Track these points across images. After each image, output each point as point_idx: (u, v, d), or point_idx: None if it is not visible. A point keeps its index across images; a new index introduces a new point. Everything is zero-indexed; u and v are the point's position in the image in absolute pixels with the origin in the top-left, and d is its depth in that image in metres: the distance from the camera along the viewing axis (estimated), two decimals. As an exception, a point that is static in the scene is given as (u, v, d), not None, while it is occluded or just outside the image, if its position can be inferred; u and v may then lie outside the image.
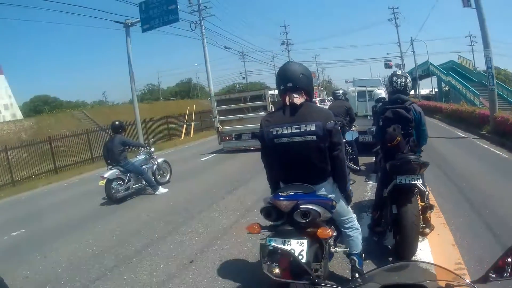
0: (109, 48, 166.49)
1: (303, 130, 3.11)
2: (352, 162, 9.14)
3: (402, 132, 4.59)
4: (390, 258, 4.60)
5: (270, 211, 3.07)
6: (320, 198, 3.19)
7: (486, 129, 15.64)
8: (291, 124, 3.14)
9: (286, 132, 3.15)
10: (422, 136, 4.86)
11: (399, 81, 4.85)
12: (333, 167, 3.28)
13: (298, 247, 2.90)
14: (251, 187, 9.27)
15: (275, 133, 3.19)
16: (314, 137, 3.09)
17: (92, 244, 6.55)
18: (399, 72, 5.18)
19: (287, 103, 3.22)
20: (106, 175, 9.17)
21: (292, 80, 3.22)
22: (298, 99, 3.20)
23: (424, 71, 53.45)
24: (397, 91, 4.85)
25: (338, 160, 3.25)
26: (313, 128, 3.09)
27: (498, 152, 11.82)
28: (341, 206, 3.47)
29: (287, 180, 3.32)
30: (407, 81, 4.90)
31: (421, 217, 4.82)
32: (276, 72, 3.44)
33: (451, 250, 4.79)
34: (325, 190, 3.30)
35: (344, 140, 8.13)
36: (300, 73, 3.26)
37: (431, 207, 5.03)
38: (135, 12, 20.38)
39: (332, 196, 3.33)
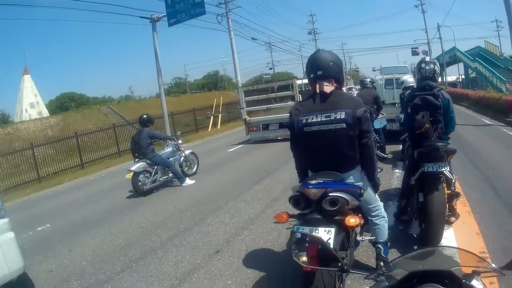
0: (135, 43, 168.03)
1: (333, 118, 3.12)
2: (379, 150, 9.11)
3: (430, 119, 4.56)
4: (415, 247, 4.55)
5: (299, 199, 3.12)
6: (349, 186, 3.22)
7: (513, 116, 15.35)
8: (321, 112, 3.17)
9: (316, 120, 3.17)
10: (450, 123, 4.82)
11: (427, 67, 4.82)
12: (362, 155, 3.29)
13: (326, 235, 2.91)
14: (277, 177, 9.28)
15: (304, 121, 3.21)
16: (344, 125, 3.11)
17: (118, 236, 6.63)
18: (427, 58, 5.13)
19: (317, 91, 3.25)
20: (133, 168, 9.26)
21: (322, 68, 3.25)
22: (328, 87, 3.23)
23: (451, 58, 52.32)
24: (425, 77, 4.83)
25: (367, 147, 3.27)
26: (343, 116, 3.10)
27: (527, 140, 11.56)
28: (369, 194, 3.49)
29: (316, 169, 3.34)
30: (436, 67, 4.86)
31: (447, 205, 4.81)
32: (304, 61, 3.47)
33: (476, 238, 4.75)
34: (353, 178, 3.32)
35: (372, 128, 8.16)
36: (331, 61, 3.28)
37: (457, 195, 4.99)
38: (160, 6, 20.49)
39: (360, 184, 3.35)
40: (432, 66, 4.82)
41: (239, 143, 17.78)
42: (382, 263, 3.57)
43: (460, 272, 1.51)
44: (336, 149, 3.20)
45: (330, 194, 2.99)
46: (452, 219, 5.12)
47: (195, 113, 29.01)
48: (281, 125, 15.50)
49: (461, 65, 51.81)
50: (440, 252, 1.91)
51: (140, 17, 20.95)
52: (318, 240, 2.33)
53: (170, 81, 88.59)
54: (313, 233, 2.92)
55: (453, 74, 57.38)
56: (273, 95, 16.93)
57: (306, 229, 2.97)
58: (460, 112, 21.15)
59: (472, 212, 5.64)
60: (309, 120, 3.19)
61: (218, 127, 29.22)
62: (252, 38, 38.40)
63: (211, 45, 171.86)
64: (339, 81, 3.35)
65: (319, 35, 66.48)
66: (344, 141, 3.17)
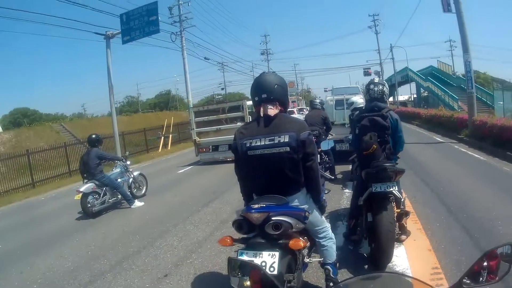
0: (89, 60, 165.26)
1: (277, 142, 3.06)
2: (328, 171, 9.18)
3: (378, 139, 4.59)
4: (366, 266, 4.59)
5: (242, 223, 3.04)
6: (293, 209, 3.15)
7: (464, 133, 15.85)
8: (265, 136, 3.10)
9: (259, 144, 3.10)
10: (399, 143, 4.88)
11: (376, 88, 4.88)
12: (307, 178, 3.23)
13: (270, 259, 2.84)
14: (226, 199, 9.25)
15: (248, 145, 3.14)
16: (288, 148, 3.05)
17: (68, 259, 6.44)
18: (376, 79, 5.22)
19: (261, 114, 3.19)
20: (81, 189, 9.05)
21: (267, 91, 3.19)
22: (272, 110, 3.17)
23: (403, 77, 54.12)
24: (374, 99, 4.88)
25: (311, 170, 3.21)
26: (286, 140, 3.05)
27: (477, 156, 12.01)
28: (315, 216, 3.42)
29: (260, 192, 3.26)
30: (384, 88, 4.93)
31: (397, 224, 4.83)
32: None
33: (428, 255, 4.79)
34: (298, 201, 3.25)
35: (320, 150, 8.18)
36: (275, 83, 3.22)
37: (406, 213, 5.05)
38: (112, 23, 20.27)
39: (305, 206, 3.28)
40: (380, 87, 4.88)
41: (189, 164, 17.67)
42: (331, 284, 3.51)
43: None
44: (280, 172, 3.14)
45: (273, 218, 2.92)
46: (403, 237, 5.17)
47: (146, 133, 28.91)
48: (230, 147, 15.43)
49: (413, 84, 53.69)
50: (392, 277, 1.88)
51: (95, 33, 20.60)
52: (257, 267, 2.24)
53: (123, 100, 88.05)
54: (257, 258, 2.85)
55: (405, 94, 59.20)
56: (223, 116, 16.96)
57: (250, 254, 2.90)
58: (411, 130, 21.82)
59: (424, 229, 5.71)
60: (253, 144, 3.12)
61: (169, 148, 29.25)
62: (205, 58, 38.06)
63: (164, 64, 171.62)
64: (283, 104, 3.30)
65: (272, 55, 66.85)
66: (288, 165, 3.11)
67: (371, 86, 4.91)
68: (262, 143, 3.08)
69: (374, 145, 4.49)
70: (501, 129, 12.28)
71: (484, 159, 11.38)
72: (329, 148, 7.94)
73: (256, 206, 3.01)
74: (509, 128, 11.70)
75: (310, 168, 3.18)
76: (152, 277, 5.15)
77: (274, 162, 3.09)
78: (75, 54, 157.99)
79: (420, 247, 5.04)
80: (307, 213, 3.21)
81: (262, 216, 2.93)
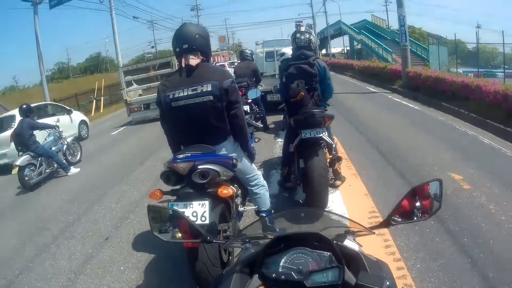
0: (17, 28, 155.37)
1: (200, 91, 3.03)
2: (260, 121, 9.28)
3: (306, 87, 4.61)
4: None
5: (169, 175, 3.06)
6: (219, 157, 3.17)
7: (398, 83, 16.29)
8: (188, 86, 3.06)
9: (182, 94, 3.06)
10: (328, 90, 4.92)
11: (302, 37, 4.86)
12: (232, 126, 3.25)
13: (200, 209, 2.87)
14: (160, 155, 9.05)
15: (171, 96, 3.09)
16: (211, 97, 3.03)
17: (12, 236, 6.24)
18: (302, 28, 5.19)
19: (183, 65, 3.14)
20: (17, 163, 8.70)
21: (188, 41, 3.12)
22: (194, 60, 3.12)
23: (336, 31, 54.13)
24: (300, 47, 4.86)
25: (236, 118, 3.22)
26: (209, 88, 3.03)
27: (411, 105, 12.38)
28: (244, 164, 3.46)
29: (187, 143, 3.25)
30: (311, 37, 4.91)
31: (330, 169, 4.95)
32: None
33: (364, 199, 4.97)
34: (225, 149, 3.27)
35: (249, 100, 8.20)
36: (196, 33, 3.17)
37: (339, 159, 5.16)
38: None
39: (233, 155, 3.30)
40: (307, 35, 4.87)
41: (122, 125, 17.34)
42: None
43: (331, 233, 1.47)
44: (205, 122, 3.13)
45: (199, 167, 2.94)
46: (338, 182, 5.32)
47: (78, 98, 28.04)
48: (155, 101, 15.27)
49: (346, 38, 54.02)
50: (314, 213, 1.90)
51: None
52: (180, 215, 2.25)
53: (54, 67, 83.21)
54: (187, 208, 2.87)
55: (338, 46, 59.78)
56: (152, 73, 16.64)
57: (180, 205, 2.91)
58: (344, 81, 22.27)
59: (359, 174, 5.90)
60: (176, 95, 3.08)
61: (101, 111, 28.46)
62: (134, 17, 37.26)
63: (93, 26, 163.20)
64: (206, 54, 3.26)
65: (202, 11, 65.22)
66: (212, 114, 3.10)
67: (298, 35, 4.88)
68: (185, 93, 3.05)
69: (301, 92, 4.51)
70: (435, 80, 12.71)
71: (419, 108, 11.77)
72: (258, 96, 7.93)
73: (181, 156, 3.01)
74: (444, 80, 12.10)
75: (235, 115, 3.20)
76: (94, 242, 5.12)
77: (198, 112, 3.07)
78: (2, 23, 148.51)
79: (356, 192, 5.21)
80: (235, 161, 3.24)
81: (188, 166, 2.94)
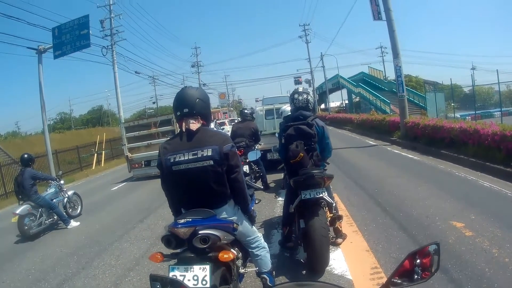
0: (21, 75, 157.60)
1: (200, 156, 3.07)
2: (260, 181, 9.30)
3: (305, 147, 4.68)
4: (304, 272, 4.64)
5: (170, 239, 3.03)
6: (220, 222, 3.17)
7: (397, 135, 16.41)
8: (188, 150, 3.11)
9: (183, 159, 3.10)
10: (326, 149, 5.00)
11: (300, 98, 4.99)
12: (233, 190, 3.27)
13: (201, 273, 2.86)
14: (160, 214, 9.17)
15: (172, 160, 3.13)
16: (211, 162, 3.07)
17: (10, 285, 6.24)
18: (300, 89, 5.31)
19: (184, 129, 3.20)
20: (18, 212, 8.75)
21: (188, 105, 3.19)
22: (194, 125, 3.18)
23: (335, 85, 55.26)
24: (299, 108, 4.98)
25: (237, 182, 3.25)
26: (210, 153, 3.07)
27: (410, 156, 12.42)
28: (245, 227, 3.46)
29: (188, 206, 3.26)
30: (309, 97, 5.03)
31: (331, 228, 4.94)
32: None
33: (366, 255, 4.91)
34: (226, 213, 3.28)
35: (248, 160, 8.25)
36: (197, 98, 3.24)
37: (339, 217, 5.17)
38: (44, 37, 19.53)
39: (234, 218, 3.31)
40: (305, 96, 5.00)
41: (123, 181, 17.48)
42: None
43: None
44: (205, 186, 3.16)
45: (200, 232, 2.94)
46: (339, 240, 5.28)
47: (79, 150, 28.23)
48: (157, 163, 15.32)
49: (344, 91, 54.92)
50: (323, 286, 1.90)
51: (27, 47, 19.82)
52: (178, 283, 2.25)
53: (56, 116, 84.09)
54: (188, 272, 2.87)
55: (337, 100, 60.51)
56: (153, 130, 16.80)
57: (181, 269, 2.90)
58: (343, 136, 22.36)
59: (360, 230, 5.85)
60: (177, 159, 3.12)
61: (102, 165, 28.70)
62: (136, 72, 37.39)
63: (96, 79, 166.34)
64: (206, 117, 3.32)
65: (203, 67, 65.61)
66: (213, 178, 3.13)
67: (295, 96, 5.02)
68: (186, 157, 3.09)
69: (301, 153, 4.58)
70: (433, 128, 12.85)
71: (418, 158, 11.82)
72: (257, 158, 7.99)
73: (182, 221, 3.01)
74: (442, 128, 12.25)
75: (235, 180, 3.22)
76: (93, 298, 5.03)
77: (199, 176, 3.10)
78: (7, 69, 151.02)
79: (357, 249, 5.15)
80: (235, 225, 3.24)
81: (189, 231, 2.94)
